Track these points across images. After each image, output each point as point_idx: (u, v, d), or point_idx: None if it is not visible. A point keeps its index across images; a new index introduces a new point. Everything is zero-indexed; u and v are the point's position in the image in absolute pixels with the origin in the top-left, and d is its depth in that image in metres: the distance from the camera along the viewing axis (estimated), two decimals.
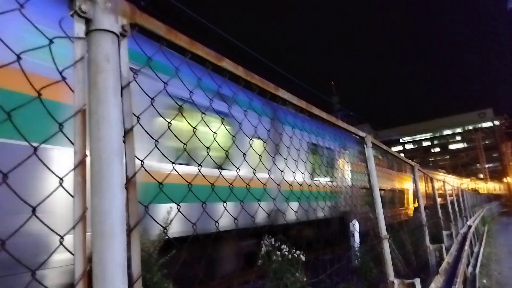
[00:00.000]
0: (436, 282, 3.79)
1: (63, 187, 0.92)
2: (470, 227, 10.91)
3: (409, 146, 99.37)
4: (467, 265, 7.29)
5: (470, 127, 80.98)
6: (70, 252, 0.87)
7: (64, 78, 0.96)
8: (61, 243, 0.89)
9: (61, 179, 0.93)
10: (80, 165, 0.90)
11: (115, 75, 0.97)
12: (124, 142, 0.99)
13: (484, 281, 7.32)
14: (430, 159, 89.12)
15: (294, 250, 3.28)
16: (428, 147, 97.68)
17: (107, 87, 0.94)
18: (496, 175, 66.09)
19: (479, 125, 78.00)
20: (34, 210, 0.86)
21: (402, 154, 6.25)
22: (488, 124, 72.02)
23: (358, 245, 6.20)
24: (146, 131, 1.28)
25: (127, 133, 1.02)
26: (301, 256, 3.16)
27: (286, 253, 3.17)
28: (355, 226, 7.52)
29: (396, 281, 2.86)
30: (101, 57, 0.95)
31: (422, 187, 10.63)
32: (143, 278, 1.94)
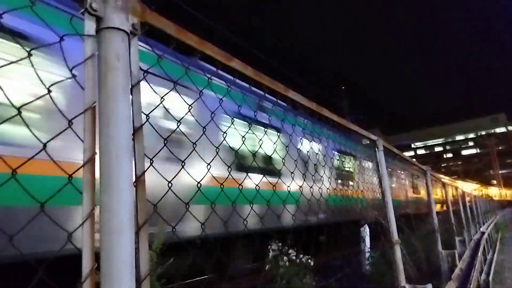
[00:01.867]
0: None
1: (72, 183, 0.91)
2: (483, 233, 10.72)
3: (420, 152, 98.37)
4: (480, 272, 7.15)
5: (483, 133, 79.82)
6: (78, 249, 0.87)
7: (74, 76, 0.96)
8: (69, 239, 0.88)
9: (70, 176, 0.92)
10: (89, 162, 0.90)
11: (125, 73, 0.97)
12: (133, 140, 0.99)
13: None
14: (442, 165, 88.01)
15: (302, 255, 3.24)
16: (440, 153, 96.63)
17: (117, 85, 0.94)
18: (510, 181, 65.02)
19: (492, 131, 76.89)
20: (42, 206, 0.86)
21: (414, 160, 6.18)
22: (502, 129, 70.92)
23: (369, 250, 6.13)
24: (156, 131, 1.28)
25: (137, 131, 1.01)
26: (309, 261, 3.12)
27: (294, 257, 3.13)
28: (366, 230, 7.45)
29: (407, 286, 2.81)
30: (111, 55, 0.95)
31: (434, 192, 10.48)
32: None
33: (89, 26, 0.96)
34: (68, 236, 0.89)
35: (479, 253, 7.24)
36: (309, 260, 3.09)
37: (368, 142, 3.49)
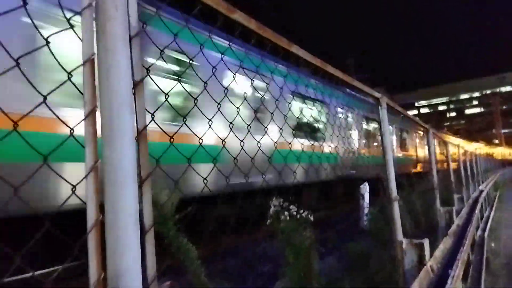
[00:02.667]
0: (445, 244, 3.83)
1: (74, 137, 0.91)
2: (481, 191, 10.88)
3: (424, 110, 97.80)
4: (477, 229, 7.33)
5: (488, 91, 78.86)
6: (83, 201, 0.88)
7: (72, 26, 0.93)
8: (73, 192, 0.90)
9: (72, 129, 0.92)
10: (90, 115, 0.90)
11: (124, 23, 0.94)
12: (134, 94, 0.98)
13: (493, 244, 7.37)
14: (445, 124, 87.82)
15: (302, 211, 3.31)
16: (444, 111, 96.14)
17: (116, 36, 0.91)
18: None
19: (498, 89, 75.89)
20: (45, 159, 0.87)
21: (417, 118, 6.16)
22: (507, 88, 69.97)
23: (368, 206, 6.26)
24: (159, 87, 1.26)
25: (137, 85, 1.00)
26: (309, 216, 3.19)
27: (295, 213, 3.20)
28: (365, 187, 7.57)
29: (404, 241, 2.89)
30: (109, 5, 0.92)
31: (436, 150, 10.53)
32: (158, 232, 2.00)
33: None
34: (72, 188, 0.90)
35: (477, 210, 7.39)
36: (309, 215, 3.16)
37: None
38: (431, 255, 3.05)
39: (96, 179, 0.90)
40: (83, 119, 0.89)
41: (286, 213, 3.32)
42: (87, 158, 0.89)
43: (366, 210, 6.97)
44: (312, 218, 3.39)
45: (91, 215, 0.88)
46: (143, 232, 0.97)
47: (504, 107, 61.56)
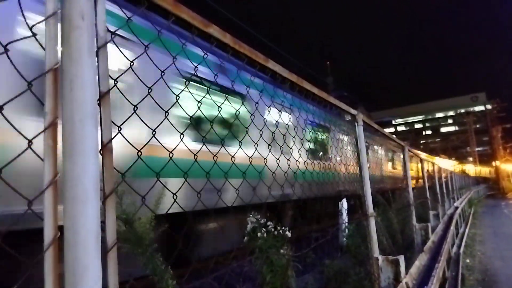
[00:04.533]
0: (421, 260, 3.85)
1: (32, 149, 0.87)
2: (456, 208, 11.09)
3: (401, 128, 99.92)
4: (452, 245, 7.44)
5: (462, 111, 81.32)
6: (40, 218, 0.83)
7: (34, 34, 0.90)
8: (29, 207, 0.85)
9: (30, 141, 0.87)
10: (51, 127, 0.86)
11: (90, 33, 0.91)
12: (99, 105, 0.95)
13: (468, 260, 7.48)
14: (422, 141, 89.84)
15: (280, 227, 3.28)
16: (420, 130, 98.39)
17: (81, 46, 0.88)
18: (485, 158, 67.04)
19: (472, 109, 78.39)
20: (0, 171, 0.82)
21: (394, 136, 6.29)
22: (481, 108, 72.37)
23: (346, 223, 6.27)
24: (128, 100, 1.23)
25: (103, 96, 0.97)
26: (287, 232, 3.16)
27: (272, 229, 3.17)
28: (344, 204, 7.59)
29: (380, 257, 2.89)
30: (75, 14, 0.89)
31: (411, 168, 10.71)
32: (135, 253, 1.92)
33: None
34: (28, 204, 0.85)
35: (452, 227, 7.51)
36: (287, 233, 3.13)
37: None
38: (406, 271, 3.05)
39: (55, 193, 0.85)
40: (43, 131, 0.85)
41: (263, 230, 3.29)
42: (46, 172, 0.84)
43: (344, 227, 6.98)
44: (289, 235, 3.36)
45: (48, 233, 0.83)
46: (105, 249, 0.93)
47: (477, 125, 63.50)
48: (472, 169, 58.30)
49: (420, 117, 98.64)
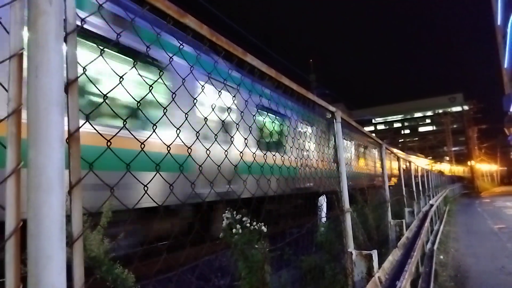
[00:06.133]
0: (394, 255, 3.93)
1: None
2: (432, 205, 11.35)
3: (380, 127, 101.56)
4: (427, 242, 7.61)
5: (440, 111, 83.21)
6: (1, 207, 0.81)
7: None
8: None
9: None
10: (14, 113, 0.83)
11: (58, 19, 0.89)
12: (66, 93, 0.92)
13: (441, 257, 7.67)
14: (400, 140, 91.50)
15: (256, 223, 3.28)
16: (399, 129, 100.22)
17: (48, 32, 0.86)
18: (461, 158, 68.81)
19: (449, 109, 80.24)
20: None
21: (373, 134, 6.39)
22: (458, 108, 74.09)
23: (324, 218, 6.33)
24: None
25: (71, 84, 0.94)
26: (263, 227, 3.17)
27: (248, 225, 3.17)
28: (323, 200, 7.66)
29: (354, 252, 2.93)
30: None
31: (388, 165, 10.87)
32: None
33: None
34: None
35: (426, 224, 7.68)
36: (262, 228, 3.14)
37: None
38: (380, 266, 3.11)
39: (17, 182, 0.83)
40: (6, 117, 0.82)
41: (238, 226, 3.29)
42: (9, 160, 0.82)
43: (320, 223, 7.04)
44: (265, 230, 3.37)
45: (10, 222, 0.81)
46: (71, 240, 0.91)
47: (454, 126, 65.03)
48: (447, 168, 59.75)
49: (399, 117, 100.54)
